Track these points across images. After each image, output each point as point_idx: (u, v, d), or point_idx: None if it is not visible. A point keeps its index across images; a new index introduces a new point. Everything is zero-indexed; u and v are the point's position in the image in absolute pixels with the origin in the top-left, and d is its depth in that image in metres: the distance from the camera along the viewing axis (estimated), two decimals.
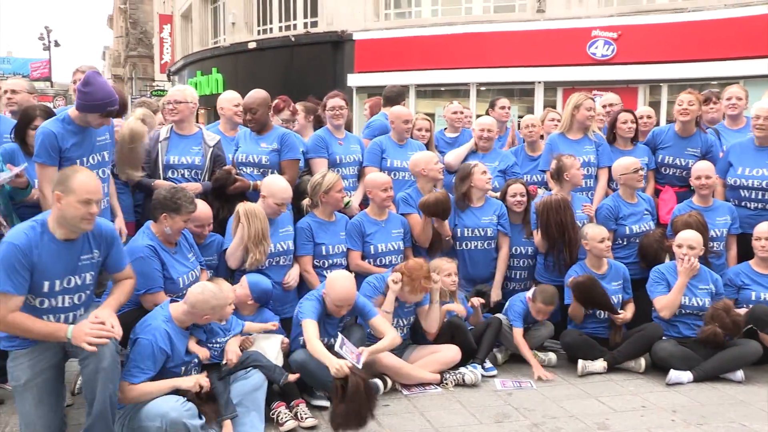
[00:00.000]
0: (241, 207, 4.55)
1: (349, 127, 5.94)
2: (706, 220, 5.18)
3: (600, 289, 4.85)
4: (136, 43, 47.11)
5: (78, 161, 4.03)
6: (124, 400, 3.49)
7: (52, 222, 3.33)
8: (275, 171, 5.07)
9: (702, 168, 5.32)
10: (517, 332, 5.03)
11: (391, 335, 4.35)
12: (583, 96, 5.78)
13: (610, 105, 6.32)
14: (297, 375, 4.10)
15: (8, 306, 3.18)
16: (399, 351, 4.77)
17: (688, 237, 4.90)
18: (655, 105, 14.94)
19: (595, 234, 5.02)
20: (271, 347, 4.22)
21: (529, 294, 5.09)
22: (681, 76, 15.35)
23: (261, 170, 5.08)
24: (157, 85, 34.78)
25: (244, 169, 5.09)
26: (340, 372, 3.71)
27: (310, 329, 4.03)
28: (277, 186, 4.70)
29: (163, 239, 4.13)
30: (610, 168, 5.61)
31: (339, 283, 4.25)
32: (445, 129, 6.50)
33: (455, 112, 6.35)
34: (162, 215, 4.07)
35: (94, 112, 3.99)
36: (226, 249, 4.62)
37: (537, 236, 5.34)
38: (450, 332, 4.85)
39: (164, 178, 4.85)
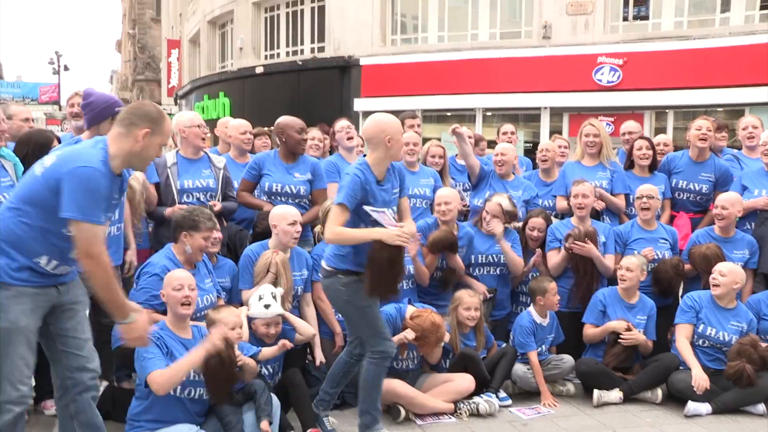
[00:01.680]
0: (277, 257, 4.49)
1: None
2: (724, 251, 5.12)
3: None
4: (144, 67, 47.54)
5: None
6: (160, 391, 3.50)
7: (118, 154, 3.04)
8: (308, 201, 5.15)
9: (723, 198, 5.26)
10: (533, 355, 4.94)
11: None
12: (587, 123, 5.84)
13: (630, 132, 6.32)
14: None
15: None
16: (412, 380, 4.73)
17: (725, 266, 4.89)
18: (660, 131, 14.93)
19: (626, 263, 5.07)
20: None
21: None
22: (686, 102, 15.42)
23: (297, 200, 5.10)
24: (165, 109, 34.97)
25: (279, 199, 5.06)
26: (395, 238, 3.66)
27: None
28: (280, 212, 4.64)
29: (183, 260, 4.16)
30: (626, 195, 5.63)
31: (389, 118, 3.93)
32: (456, 155, 6.49)
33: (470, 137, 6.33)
34: (182, 234, 4.12)
35: (105, 116, 3.97)
36: (242, 289, 4.58)
37: (552, 260, 5.33)
38: (463, 363, 4.79)
39: (180, 203, 4.84)
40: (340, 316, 4.65)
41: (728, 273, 4.80)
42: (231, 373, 3.73)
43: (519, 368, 4.98)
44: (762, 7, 15.43)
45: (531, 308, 5.12)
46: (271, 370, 4.35)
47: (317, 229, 5.08)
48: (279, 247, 4.59)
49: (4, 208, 3.05)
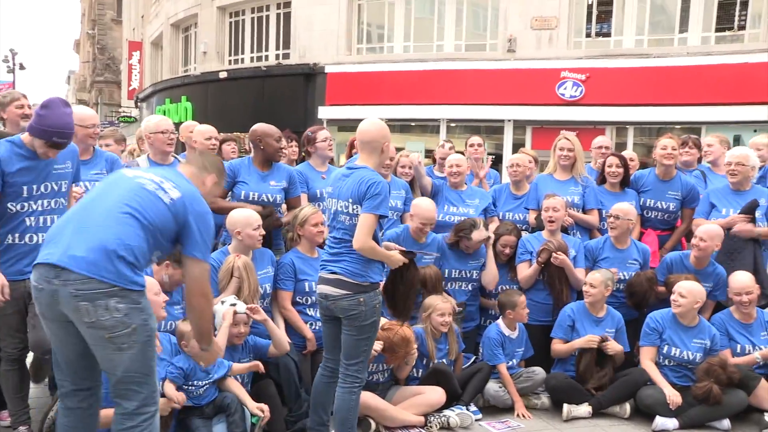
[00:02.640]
0: (239, 260, 4.42)
1: (330, 162, 5.91)
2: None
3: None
4: (103, 68, 46.65)
5: (26, 188, 3.80)
6: None
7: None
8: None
9: (702, 231, 5.28)
10: (503, 367, 4.98)
11: None
12: (560, 136, 5.90)
13: (606, 147, 6.42)
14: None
15: None
16: (382, 392, 4.70)
17: (685, 286, 4.96)
18: (621, 146, 15.19)
19: (590, 279, 5.11)
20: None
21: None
22: (646, 119, 15.76)
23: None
24: (124, 111, 34.41)
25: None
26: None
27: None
28: (240, 215, 4.57)
29: (158, 283, 4.00)
30: (599, 211, 5.70)
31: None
32: (434, 166, 6.53)
33: (443, 157, 6.38)
34: (165, 264, 4.00)
35: (40, 138, 3.71)
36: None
37: (523, 272, 5.36)
38: (435, 377, 4.78)
39: None
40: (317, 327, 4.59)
41: (688, 294, 4.89)
42: None
43: (491, 387, 4.99)
44: (717, 30, 15.88)
45: (500, 321, 5.14)
46: (240, 380, 4.26)
47: (289, 235, 5.02)
48: (241, 251, 4.53)
49: (128, 215, 2.97)
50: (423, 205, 5.13)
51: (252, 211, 4.62)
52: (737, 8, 15.73)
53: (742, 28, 15.78)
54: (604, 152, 6.31)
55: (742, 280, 5.02)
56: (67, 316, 2.89)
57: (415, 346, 4.63)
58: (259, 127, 5.14)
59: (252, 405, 4.01)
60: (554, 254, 5.21)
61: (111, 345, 2.86)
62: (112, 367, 2.93)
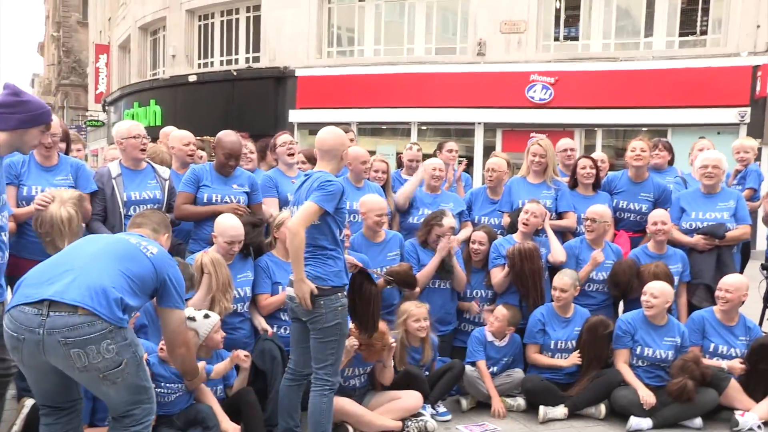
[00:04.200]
0: (206, 256, 4.40)
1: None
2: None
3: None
4: (69, 71, 45.98)
5: None
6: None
7: None
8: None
9: (658, 215, 5.46)
10: (481, 363, 5.04)
11: None
12: (533, 140, 5.94)
13: (571, 149, 6.46)
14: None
15: None
16: (359, 397, 4.69)
17: (656, 287, 5.03)
18: (590, 149, 15.47)
19: (560, 284, 5.15)
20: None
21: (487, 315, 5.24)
22: (614, 121, 16.01)
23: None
24: (91, 115, 33.92)
25: None
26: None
27: None
28: (226, 224, 4.56)
29: None
30: (568, 213, 5.75)
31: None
32: (402, 170, 6.51)
33: (411, 160, 6.38)
34: None
35: (41, 122, 3.40)
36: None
37: (496, 276, 5.40)
38: (407, 381, 4.78)
39: (126, 215, 4.66)
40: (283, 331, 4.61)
41: (660, 294, 4.98)
42: None
43: (469, 370, 5.04)
44: (681, 34, 16.20)
45: (486, 327, 5.19)
46: (215, 390, 4.23)
47: (267, 240, 5.01)
48: (220, 253, 4.53)
49: (111, 266, 2.99)
50: (370, 199, 5.17)
51: (238, 223, 4.59)
52: (699, 14, 16.08)
53: (704, 33, 16.13)
54: (569, 154, 6.37)
55: (730, 278, 5.16)
56: (51, 363, 2.85)
57: (391, 339, 4.63)
58: (219, 135, 5.14)
59: (226, 425, 3.98)
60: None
61: (106, 381, 2.86)
62: (108, 398, 2.97)
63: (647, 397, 4.76)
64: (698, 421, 4.79)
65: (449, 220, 5.29)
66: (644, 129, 15.57)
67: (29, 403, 4.09)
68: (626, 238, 5.78)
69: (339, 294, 3.82)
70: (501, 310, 5.13)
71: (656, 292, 4.97)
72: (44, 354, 2.79)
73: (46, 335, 2.75)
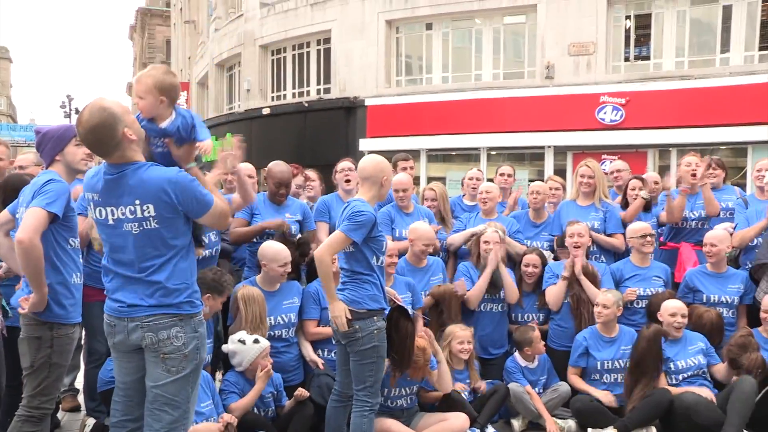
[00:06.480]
0: (240, 291, 4.61)
1: None
2: (718, 286, 5.26)
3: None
4: None
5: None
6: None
7: None
8: None
9: (709, 235, 5.33)
10: (528, 387, 5.07)
11: None
12: (583, 163, 5.92)
13: (618, 171, 6.38)
14: None
15: None
16: (407, 419, 4.73)
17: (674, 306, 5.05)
18: (664, 169, 14.99)
19: (603, 300, 5.10)
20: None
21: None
22: (689, 141, 15.45)
23: None
24: None
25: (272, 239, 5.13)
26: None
27: None
28: (272, 249, 4.74)
29: None
30: (617, 234, 5.67)
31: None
32: (464, 195, 6.55)
33: (471, 178, 6.42)
34: (205, 296, 4.13)
35: (67, 139, 3.65)
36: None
37: (550, 294, 5.37)
38: (450, 406, 4.82)
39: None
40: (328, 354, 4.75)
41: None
42: None
43: (514, 387, 5.04)
44: (761, 48, 15.61)
45: (516, 354, 5.19)
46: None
47: None
48: (267, 281, 4.73)
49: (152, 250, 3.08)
50: (421, 228, 5.24)
51: (283, 247, 4.76)
52: None
53: None
54: (616, 176, 6.31)
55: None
56: (134, 345, 3.06)
57: (431, 351, 4.67)
58: (269, 166, 5.39)
59: None
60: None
61: (162, 365, 3.02)
62: (154, 380, 3.05)
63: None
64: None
65: (492, 232, 5.34)
66: (722, 147, 15.03)
67: (90, 422, 4.35)
68: (689, 248, 5.65)
69: (375, 317, 3.92)
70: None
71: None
72: (130, 336, 3.07)
73: (129, 321, 3.07)
